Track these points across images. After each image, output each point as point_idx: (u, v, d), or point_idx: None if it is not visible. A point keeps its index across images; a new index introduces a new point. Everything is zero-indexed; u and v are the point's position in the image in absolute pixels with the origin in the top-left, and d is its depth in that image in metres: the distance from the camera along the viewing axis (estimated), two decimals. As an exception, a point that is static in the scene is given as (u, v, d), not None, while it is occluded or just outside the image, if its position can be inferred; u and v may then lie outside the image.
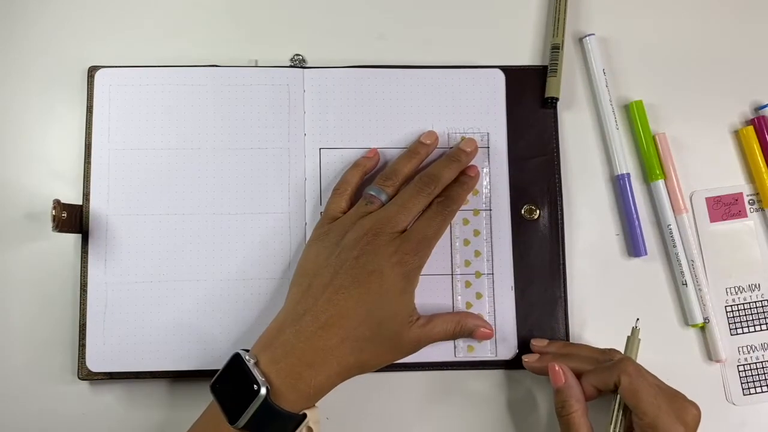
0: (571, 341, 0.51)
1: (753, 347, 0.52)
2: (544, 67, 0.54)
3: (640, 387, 0.43)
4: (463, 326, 0.48)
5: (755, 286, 0.52)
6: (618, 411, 0.44)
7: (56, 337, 0.49)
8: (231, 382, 0.42)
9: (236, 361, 0.43)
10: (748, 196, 0.53)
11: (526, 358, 0.49)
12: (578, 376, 0.46)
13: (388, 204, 0.47)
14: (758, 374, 0.51)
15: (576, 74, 0.54)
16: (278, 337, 0.43)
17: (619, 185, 0.53)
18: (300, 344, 0.43)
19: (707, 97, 0.54)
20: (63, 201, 0.47)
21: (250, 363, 0.42)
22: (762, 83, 0.55)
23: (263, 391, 0.41)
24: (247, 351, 0.43)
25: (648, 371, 0.45)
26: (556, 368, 0.46)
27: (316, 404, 0.44)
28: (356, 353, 0.44)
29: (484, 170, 0.52)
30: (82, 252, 0.49)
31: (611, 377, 0.44)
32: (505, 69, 0.53)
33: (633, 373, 0.43)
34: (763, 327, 0.52)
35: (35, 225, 0.51)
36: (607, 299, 0.52)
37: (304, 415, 0.42)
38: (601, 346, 0.48)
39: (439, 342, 0.49)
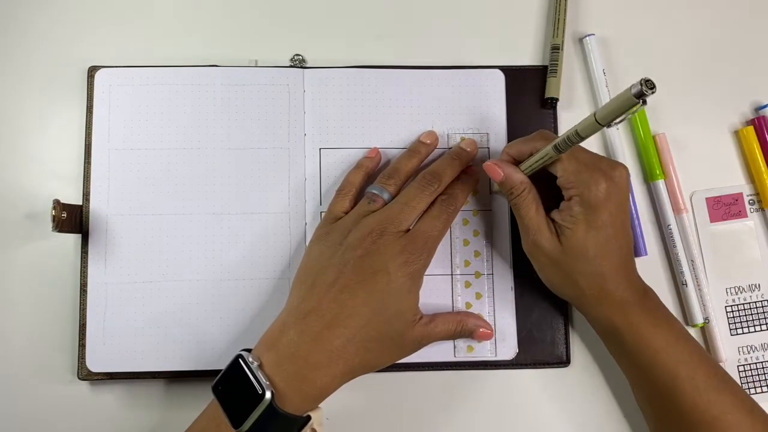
0: (572, 341, 0.51)
1: (753, 347, 0.52)
2: (544, 68, 0.54)
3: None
4: (464, 326, 0.48)
5: (755, 286, 0.52)
6: (542, 158, 0.45)
7: (56, 337, 0.49)
8: (234, 385, 0.42)
9: (239, 362, 0.42)
10: (748, 196, 0.53)
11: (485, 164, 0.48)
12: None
13: (391, 203, 0.47)
14: (758, 374, 0.51)
15: (576, 74, 0.54)
16: (281, 338, 0.43)
17: (619, 185, 0.52)
18: (305, 345, 0.42)
19: (707, 97, 0.54)
20: (63, 201, 0.47)
21: (254, 365, 0.41)
22: (762, 83, 0.55)
23: (268, 395, 0.40)
24: (250, 351, 0.43)
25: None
26: (489, 165, 0.47)
27: (320, 405, 0.44)
28: (362, 353, 0.43)
29: (484, 170, 0.52)
30: (82, 252, 0.49)
31: (532, 141, 0.46)
32: (505, 69, 0.53)
33: (555, 137, 0.45)
34: (763, 327, 0.52)
35: (35, 225, 0.51)
36: (607, 299, 0.52)
37: (309, 417, 0.42)
38: (603, 349, 0.48)
39: (439, 342, 0.49)
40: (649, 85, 0.35)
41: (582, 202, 0.44)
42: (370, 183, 0.49)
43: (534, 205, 0.46)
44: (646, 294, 0.46)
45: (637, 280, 0.46)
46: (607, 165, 0.45)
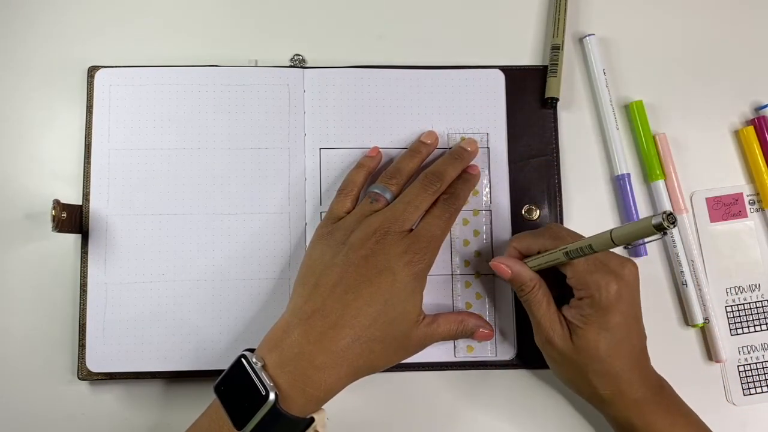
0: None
1: (753, 347, 0.52)
2: (544, 67, 0.54)
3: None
4: (465, 326, 0.48)
5: (755, 286, 0.52)
6: (552, 260, 0.44)
7: (56, 337, 0.49)
8: (237, 386, 0.41)
9: (242, 363, 0.42)
10: (748, 196, 0.53)
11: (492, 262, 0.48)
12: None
13: (394, 202, 0.47)
14: (758, 374, 0.51)
15: (576, 74, 0.54)
16: (285, 338, 0.42)
17: (619, 185, 0.52)
18: (309, 346, 0.42)
19: (707, 97, 0.54)
20: (63, 201, 0.47)
21: (258, 366, 0.41)
22: (762, 83, 0.55)
23: (272, 396, 0.40)
24: (252, 351, 0.43)
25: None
26: (497, 264, 0.47)
27: (323, 406, 0.43)
28: (366, 354, 0.43)
29: (484, 171, 0.52)
30: (82, 252, 0.49)
31: (541, 237, 0.46)
32: (505, 69, 0.53)
33: (565, 235, 0.45)
34: (763, 327, 0.52)
35: (35, 225, 0.51)
36: (607, 299, 0.52)
37: (312, 419, 0.42)
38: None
39: (440, 342, 0.49)
40: (670, 219, 0.35)
41: (593, 304, 0.43)
42: (372, 182, 0.49)
43: (545, 300, 0.45)
44: (662, 389, 0.45)
45: (652, 375, 0.46)
46: (617, 263, 0.44)
